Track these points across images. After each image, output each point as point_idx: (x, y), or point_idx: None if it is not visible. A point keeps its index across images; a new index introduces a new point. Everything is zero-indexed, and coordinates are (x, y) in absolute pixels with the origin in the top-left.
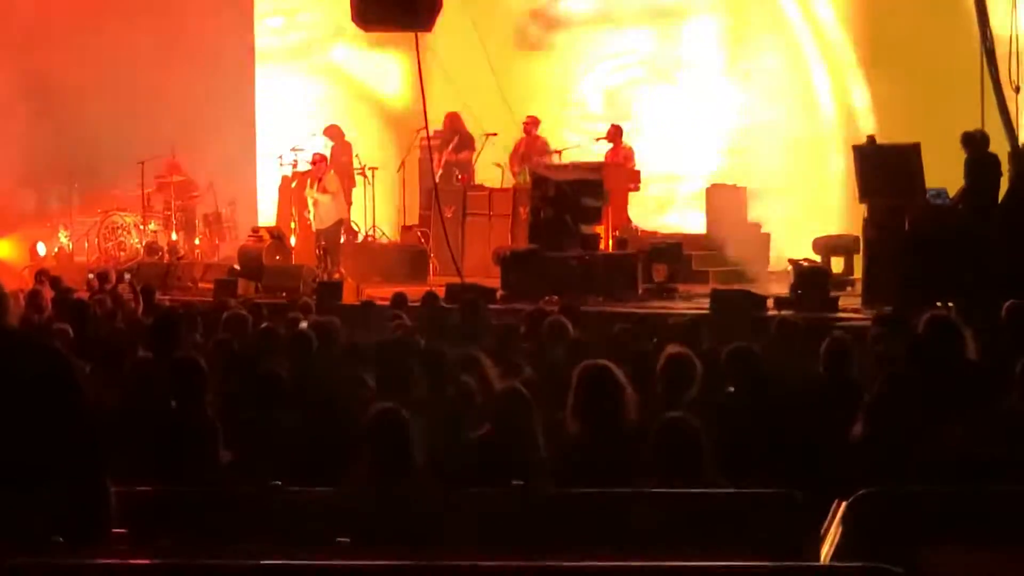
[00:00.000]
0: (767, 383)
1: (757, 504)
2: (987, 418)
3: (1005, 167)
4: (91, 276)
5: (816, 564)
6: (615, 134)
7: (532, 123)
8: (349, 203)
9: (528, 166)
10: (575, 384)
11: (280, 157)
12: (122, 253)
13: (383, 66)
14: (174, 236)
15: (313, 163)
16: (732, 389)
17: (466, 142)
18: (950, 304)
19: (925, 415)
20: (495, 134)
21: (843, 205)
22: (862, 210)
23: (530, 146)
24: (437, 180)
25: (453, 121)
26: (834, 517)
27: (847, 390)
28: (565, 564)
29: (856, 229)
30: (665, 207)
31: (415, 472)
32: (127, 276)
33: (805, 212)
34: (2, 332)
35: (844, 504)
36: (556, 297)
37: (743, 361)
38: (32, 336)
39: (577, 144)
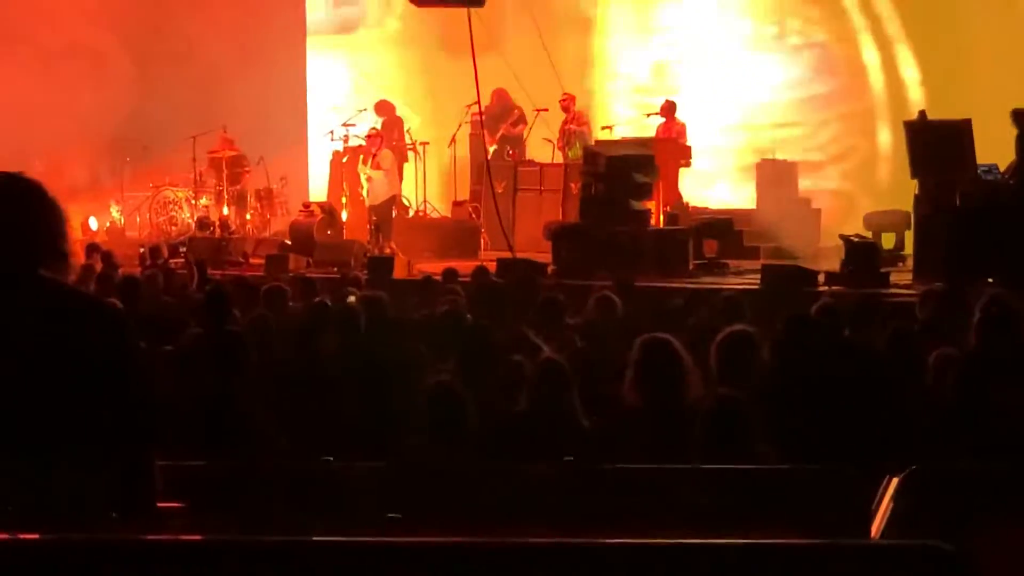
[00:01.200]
0: (824, 355)
1: (808, 481)
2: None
3: None
4: (143, 250)
5: (861, 541)
6: (668, 109)
7: (569, 100)
8: (401, 178)
9: (573, 140)
10: (636, 356)
11: (331, 132)
12: (174, 228)
13: (432, 41)
14: (225, 211)
15: (368, 138)
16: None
17: (520, 117)
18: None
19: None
20: (546, 109)
21: (894, 181)
22: (913, 186)
23: (570, 122)
24: (490, 156)
25: (501, 96)
26: (885, 493)
27: (903, 364)
28: (614, 540)
29: (907, 205)
30: (714, 181)
31: (468, 446)
32: (182, 250)
33: (856, 188)
34: (64, 291)
35: (896, 480)
36: (607, 273)
37: (800, 330)
38: (91, 296)
39: (630, 118)
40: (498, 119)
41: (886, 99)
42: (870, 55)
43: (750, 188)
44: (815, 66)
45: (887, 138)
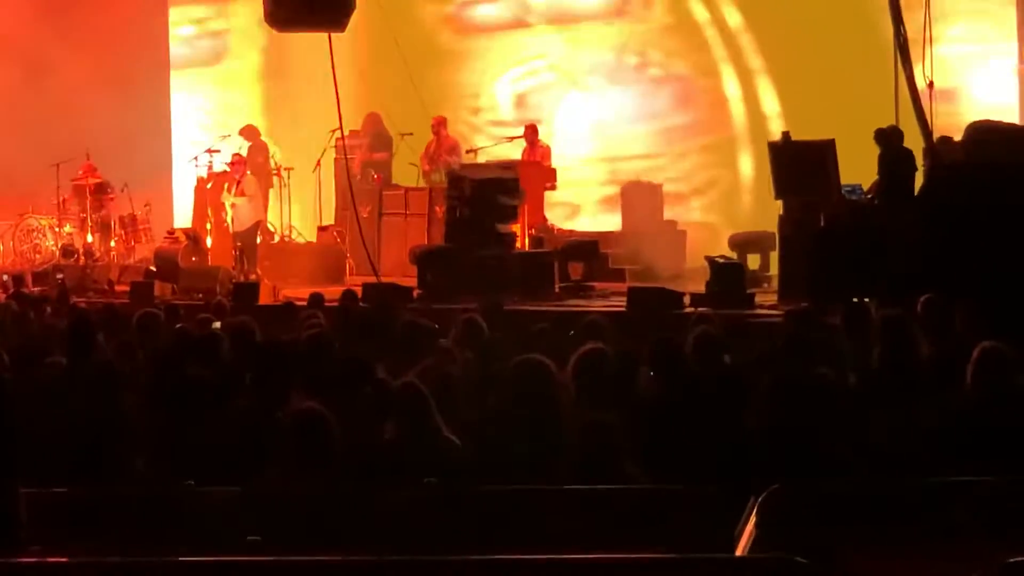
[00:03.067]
0: (690, 376)
1: (674, 500)
2: (905, 412)
3: (919, 162)
4: (5, 279)
5: (720, 556)
6: (531, 132)
7: (439, 123)
8: (265, 204)
9: (440, 165)
10: (509, 377)
11: (195, 158)
12: (38, 256)
13: (295, 67)
14: (89, 238)
15: (231, 164)
16: (652, 373)
17: (384, 142)
18: (866, 299)
19: (846, 409)
20: (411, 134)
21: (758, 205)
22: (776, 208)
23: (439, 146)
24: (355, 180)
25: (372, 122)
26: (749, 513)
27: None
28: (476, 558)
29: (771, 227)
30: (577, 211)
31: (332, 470)
32: (59, 276)
33: (720, 218)
34: None
35: (760, 499)
36: (472, 296)
37: (666, 354)
38: None
39: (494, 143)
40: (363, 144)
41: (748, 130)
42: (731, 87)
43: (613, 219)
44: (677, 97)
45: (749, 168)
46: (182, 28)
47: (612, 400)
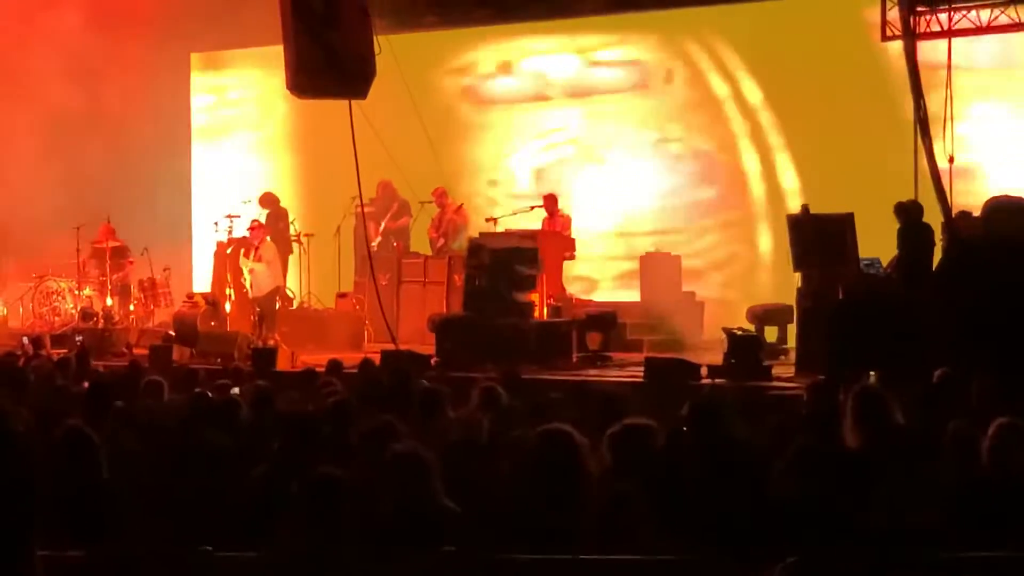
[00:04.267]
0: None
1: (692, 570)
2: (917, 483)
3: (938, 236)
4: (26, 341)
5: None
6: (551, 202)
7: (441, 193)
8: (285, 270)
9: (447, 228)
10: (535, 446)
11: (216, 223)
12: (57, 318)
13: (314, 136)
14: (109, 301)
15: (250, 230)
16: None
17: (404, 209)
18: (871, 373)
19: (852, 481)
20: (430, 201)
21: (775, 279)
22: (795, 281)
23: (443, 213)
24: (375, 248)
25: (387, 189)
26: None
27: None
28: None
29: (789, 300)
30: (595, 286)
31: (344, 536)
32: (78, 339)
33: (738, 294)
34: None
35: (778, 570)
36: (490, 365)
37: (701, 421)
38: None
39: (514, 211)
40: (383, 211)
41: (767, 206)
42: (751, 162)
43: (631, 294)
44: (696, 173)
45: (768, 244)
46: (203, 96)
47: (640, 470)
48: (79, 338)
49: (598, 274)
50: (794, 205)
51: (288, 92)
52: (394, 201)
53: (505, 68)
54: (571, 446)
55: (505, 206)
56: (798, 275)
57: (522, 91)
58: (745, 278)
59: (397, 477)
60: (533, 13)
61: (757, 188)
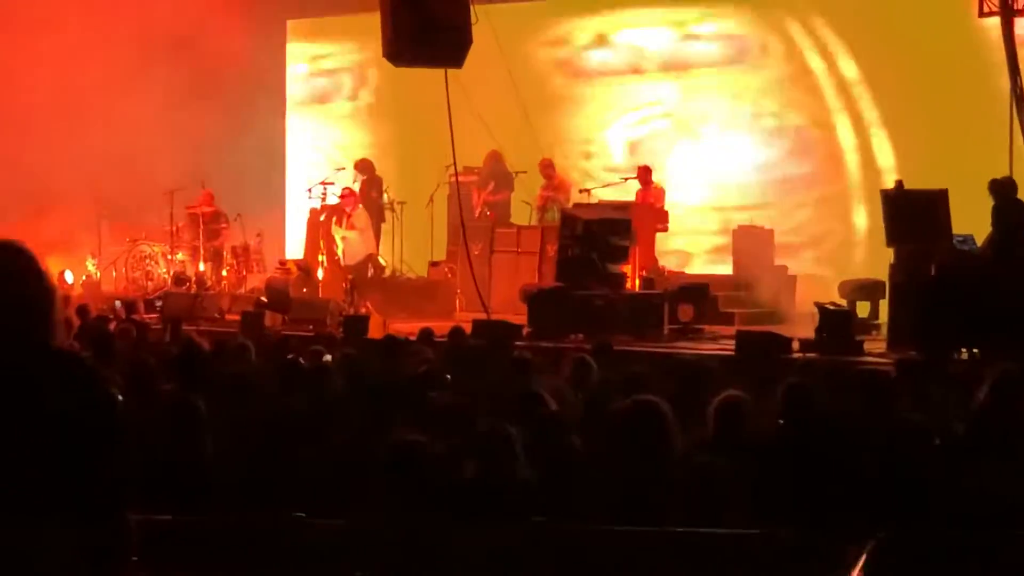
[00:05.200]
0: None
1: (784, 545)
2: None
3: None
4: (118, 305)
5: None
6: (645, 174)
7: (547, 164)
8: (377, 238)
9: (549, 204)
10: (621, 418)
11: (309, 190)
12: (150, 283)
13: (407, 105)
14: (201, 267)
15: (342, 197)
16: (781, 422)
17: (506, 182)
18: (975, 350)
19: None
20: (524, 172)
21: (869, 255)
22: (888, 256)
23: (549, 188)
24: (469, 217)
25: (495, 160)
26: (857, 560)
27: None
28: None
29: (882, 275)
30: (689, 261)
31: (427, 504)
32: (158, 304)
33: (831, 264)
34: (44, 351)
35: (869, 546)
36: (581, 336)
37: (796, 398)
38: (71, 356)
39: (606, 183)
40: (485, 182)
41: (862, 182)
42: (846, 138)
43: (723, 267)
44: (791, 148)
45: (863, 221)
46: (297, 66)
47: (736, 443)
48: (159, 303)
49: (691, 247)
50: (889, 181)
51: (382, 61)
52: (498, 172)
53: (601, 40)
54: (659, 417)
55: (599, 179)
56: (891, 251)
57: (617, 64)
58: (838, 254)
59: (481, 449)
60: None
61: (852, 164)
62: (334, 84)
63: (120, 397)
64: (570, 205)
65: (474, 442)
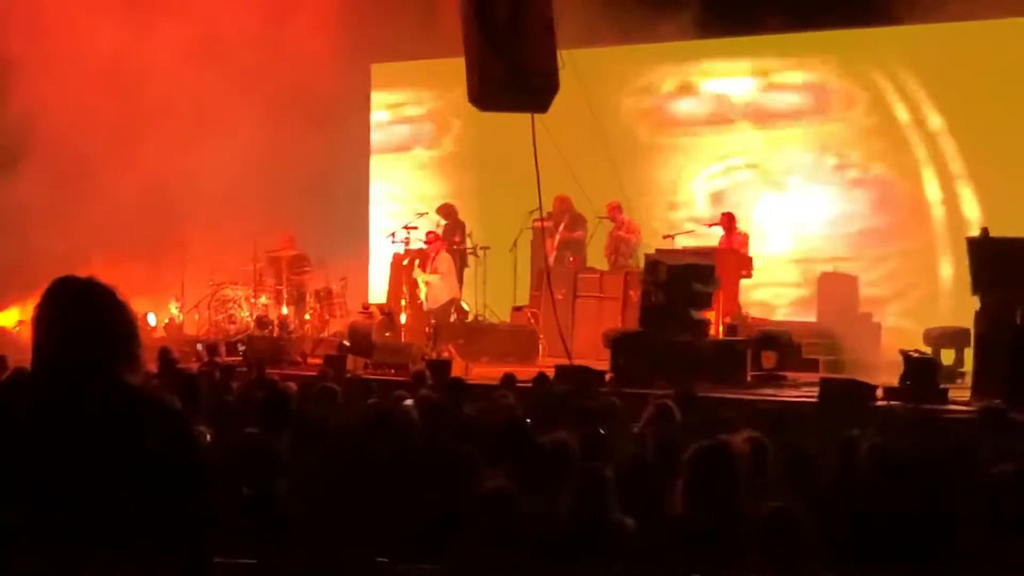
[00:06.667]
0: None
1: None
2: None
3: None
4: (200, 348)
5: None
6: (728, 220)
7: (615, 208)
8: (460, 283)
9: (617, 245)
10: (690, 462)
11: (392, 235)
12: (232, 326)
13: (488, 152)
14: (284, 310)
15: (428, 243)
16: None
17: (578, 222)
18: None
19: None
20: (606, 217)
21: (954, 307)
22: (972, 308)
23: (619, 230)
24: (551, 262)
25: (563, 203)
26: None
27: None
28: None
29: (967, 324)
30: (773, 312)
31: (521, 549)
32: (241, 348)
33: (916, 317)
34: (127, 390)
35: None
36: (664, 382)
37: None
38: (155, 397)
39: (691, 230)
40: (558, 225)
41: (947, 234)
42: (932, 190)
43: (805, 319)
44: (875, 199)
45: (948, 274)
46: (378, 113)
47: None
48: (242, 348)
49: (774, 299)
50: (974, 233)
51: (461, 109)
52: (567, 214)
53: (686, 89)
54: (727, 459)
55: (683, 229)
56: (975, 302)
57: (702, 113)
58: (922, 307)
59: (577, 492)
60: (713, 31)
61: (937, 215)
62: (414, 132)
63: (207, 437)
64: (641, 248)
65: (569, 483)
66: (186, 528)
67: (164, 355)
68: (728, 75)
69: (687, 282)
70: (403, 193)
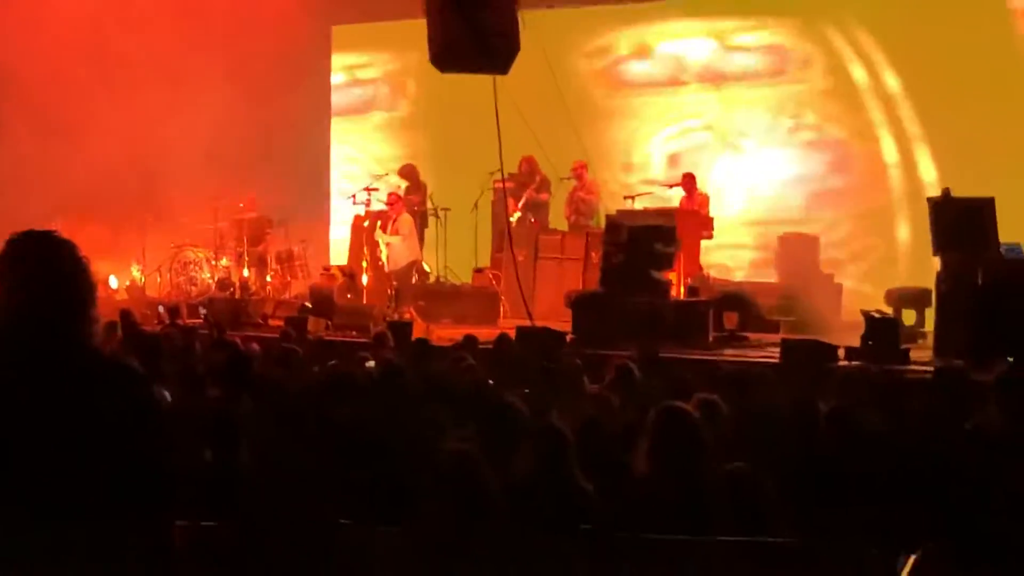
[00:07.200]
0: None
1: (827, 556)
2: None
3: None
4: (161, 310)
5: None
6: (689, 181)
7: (581, 167)
8: (421, 244)
9: (577, 205)
10: (652, 424)
11: (353, 196)
12: (193, 288)
13: (450, 112)
14: (246, 272)
15: (388, 204)
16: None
17: (545, 184)
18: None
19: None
20: (569, 177)
21: (913, 268)
22: (930, 269)
23: (579, 190)
24: (514, 222)
25: (531, 164)
26: (902, 571)
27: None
28: None
29: (928, 283)
30: (730, 274)
31: (489, 514)
32: (202, 310)
33: (875, 279)
34: (88, 352)
35: (913, 557)
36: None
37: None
38: (117, 359)
39: (650, 191)
40: (524, 185)
41: (905, 197)
42: (889, 152)
43: (767, 280)
44: (832, 161)
45: (907, 236)
46: (337, 75)
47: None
48: (203, 311)
49: (731, 261)
50: (932, 195)
51: (418, 71)
52: (536, 176)
53: (642, 51)
54: (692, 420)
55: (639, 191)
56: (937, 259)
57: (658, 75)
58: (881, 269)
59: (537, 453)
60: None
61: (894, 177)
62: (371, 94)
63: (168, 398)
64: (601, 209)
65: (529, 444)
66: (147, 490)
67: (126, 317)
68: (685, 36)
69: (648, 243)
70: (362, 156)
